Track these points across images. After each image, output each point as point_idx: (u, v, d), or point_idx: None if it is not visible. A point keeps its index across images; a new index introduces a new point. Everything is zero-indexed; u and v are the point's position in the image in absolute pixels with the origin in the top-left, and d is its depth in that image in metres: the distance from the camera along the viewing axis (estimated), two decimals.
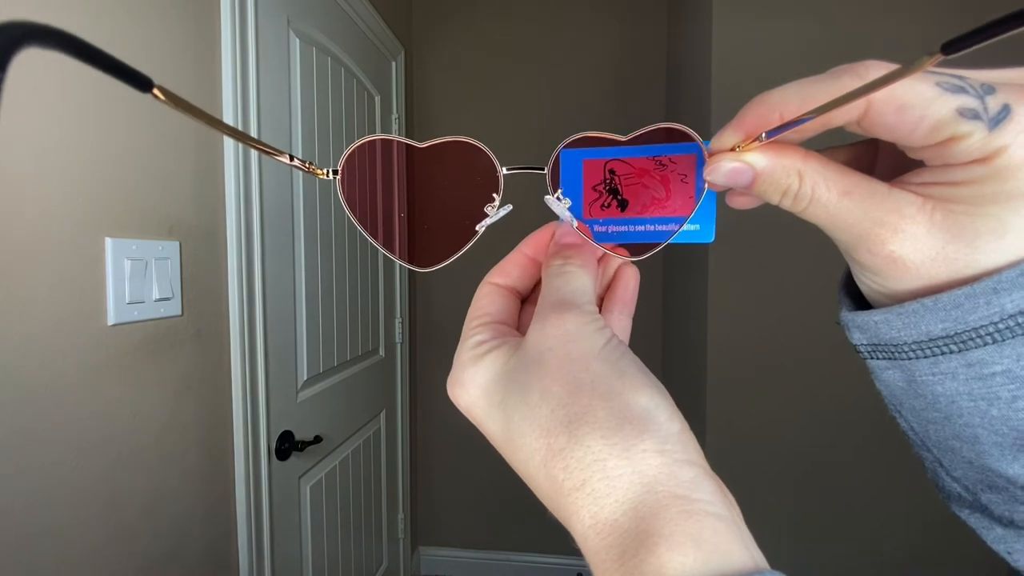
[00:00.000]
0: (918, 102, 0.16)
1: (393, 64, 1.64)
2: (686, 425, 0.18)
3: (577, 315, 0.20)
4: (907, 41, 1.11)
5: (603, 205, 0.24)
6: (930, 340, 0.19)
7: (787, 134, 0.19)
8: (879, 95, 0.16)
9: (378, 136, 0.26)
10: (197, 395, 0.83)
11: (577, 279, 0.22)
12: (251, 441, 0.94)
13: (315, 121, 1.18)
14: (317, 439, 1.14)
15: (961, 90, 0.16)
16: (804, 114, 0.17)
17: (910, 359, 0.20)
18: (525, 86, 1.78)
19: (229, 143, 0.88)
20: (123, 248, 0.68)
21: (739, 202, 0.23)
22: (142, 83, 0.15)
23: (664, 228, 0.24)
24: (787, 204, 0.20)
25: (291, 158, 0.23)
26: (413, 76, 1.81)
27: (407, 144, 0.26)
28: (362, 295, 1.44)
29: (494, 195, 0.24)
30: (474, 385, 0.21)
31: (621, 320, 0.26)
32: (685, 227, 0.24)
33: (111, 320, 0.67)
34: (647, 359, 0.20)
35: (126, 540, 0.70)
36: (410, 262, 0.26)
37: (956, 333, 0.18)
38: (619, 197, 0.24)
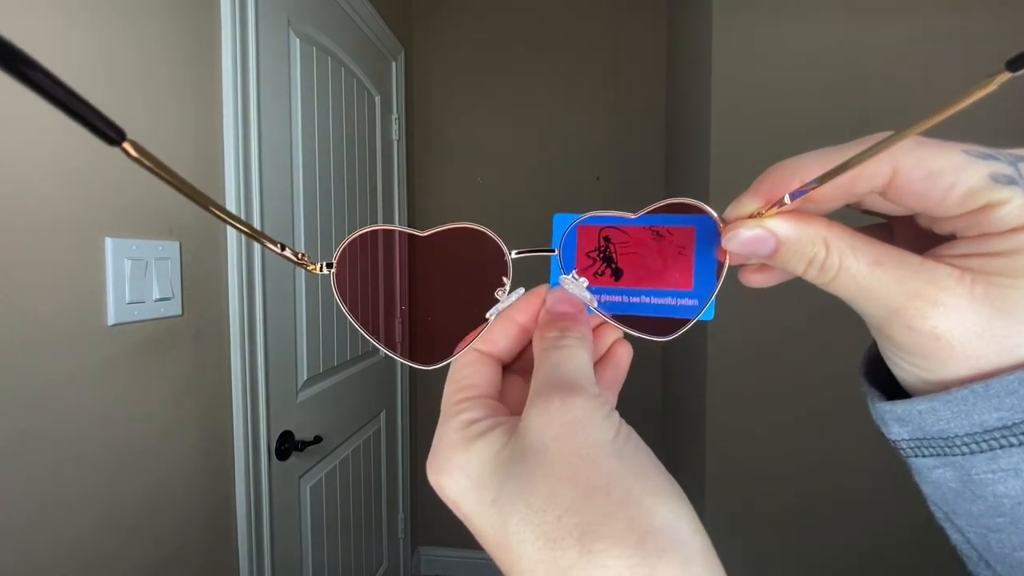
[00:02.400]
0: (947, 168, 0.15)
1: (393, 64, 1.64)
2: (707, 538, 0.16)
3: (583, 400, 0.18)
4: (908, 41, 1.11)
5: (596, 273, 0.23)
6: (985, 432, 0.17)
7: (807, 207, 0.18)
8: (906, 162, 0.16)
9: (376, 227, 0.24)
10: (197, 395, 0.83)
11: (577, 355, 0.20)
12: (251, 441, 0.94)
13: (315, 121, 1.18)
14: (317, 439, 1.13)
15: (991, 157, 0.15)
16: (830, 170, 0.16)
17: (964, 455, 0.17)
18: (525, 85, 1.78)
19: (229, 143, 0.88)
20: (123, 248, 0.68)
21: (755, 280, 0.21)
22: (110, 137, 0.12)
23: (660, 301, 0.23)
24: (812, 275, 0.18)
25: (282, 247, 0.21)
26: (413, 76, 1.81)
27: (408, 233, 0.24)
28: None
29: (504, 279, 0.23)
30: (463, 475, 0.19)
31: (609, 400, 0.23)
32: (683, 303, 0.22)
33: (111, 320, 0.67)
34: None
35: (126, 540, 0.70)
36: (412, 359, 0.24)
37: (1015, 423, 0.16)
38: (613, 265, 0.23)
